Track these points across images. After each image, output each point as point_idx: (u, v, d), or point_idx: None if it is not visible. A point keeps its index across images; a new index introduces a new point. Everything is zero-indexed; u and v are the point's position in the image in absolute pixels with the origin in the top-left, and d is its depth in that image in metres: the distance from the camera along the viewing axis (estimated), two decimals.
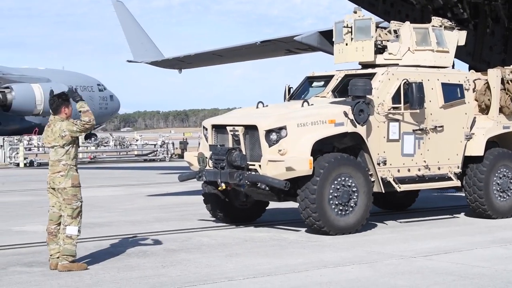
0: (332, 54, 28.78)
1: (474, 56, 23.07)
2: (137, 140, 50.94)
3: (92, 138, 48.35)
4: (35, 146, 43.42)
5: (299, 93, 16.45)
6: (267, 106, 15.40)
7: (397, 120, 14.98)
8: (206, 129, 15.21)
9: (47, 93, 62.48)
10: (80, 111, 11.05)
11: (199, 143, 51.36)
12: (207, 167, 14.47)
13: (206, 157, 14.46)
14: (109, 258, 11.77)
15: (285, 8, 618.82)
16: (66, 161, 10.97)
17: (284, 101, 16.53)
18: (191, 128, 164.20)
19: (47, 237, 11.12)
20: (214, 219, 15.89)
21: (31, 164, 40.38)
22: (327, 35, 32.43)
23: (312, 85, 16.41)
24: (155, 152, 48.09)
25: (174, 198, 21.30)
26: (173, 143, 49.21)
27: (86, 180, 23.60)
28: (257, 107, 15.33)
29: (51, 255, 11.04)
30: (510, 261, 11.24)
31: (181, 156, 50.82)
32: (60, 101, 11.13)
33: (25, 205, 19.89)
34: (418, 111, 15.09)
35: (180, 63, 43.77)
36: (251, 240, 13.31)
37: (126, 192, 23.84)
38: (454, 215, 16.83)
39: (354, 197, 14.10)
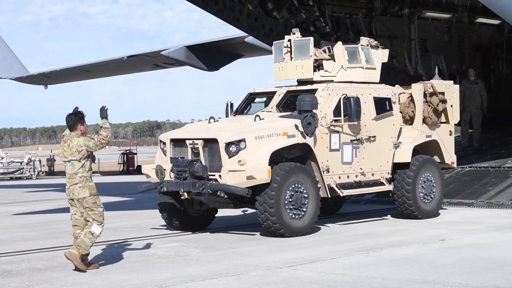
0: (198, 68, 29.19)
1: None
2: (2, 158, 49.73)
3: None
4: None
5: (242, 108, 17.44)
6: (217, 121, 16.28)
7: (337, 132, 16.25)
8: (164, 143, 15.94)
9: None
10: (101, 127, 11.98)
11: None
12: (167, 178, 15.16)
13: (165, 169, 15.19)
14: None
15: (156, 22, 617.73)
16: (82, 174, 11.86)
17: (227, 116, 17.48)
18: (59, 145, 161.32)
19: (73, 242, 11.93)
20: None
21: None
22: (194, 49, 32.69)
23: (255, 101, 17.48)
24: (21, 170, 47.09)
25: (41, 217, 20.96)
26: (40, 160, 48.26)
27: None
28: (209, 122, 16.19)
29: None
30: (372, 268, 11.54)
31: (48, 174, 49.96)
32: (76, 118, 12.02)
33: None
34: (355, 123, 16.39)
35: (45, 78, 43.18)
36: (118, 256, 13.22)
37: None
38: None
39: (306, 202, 15.31)
